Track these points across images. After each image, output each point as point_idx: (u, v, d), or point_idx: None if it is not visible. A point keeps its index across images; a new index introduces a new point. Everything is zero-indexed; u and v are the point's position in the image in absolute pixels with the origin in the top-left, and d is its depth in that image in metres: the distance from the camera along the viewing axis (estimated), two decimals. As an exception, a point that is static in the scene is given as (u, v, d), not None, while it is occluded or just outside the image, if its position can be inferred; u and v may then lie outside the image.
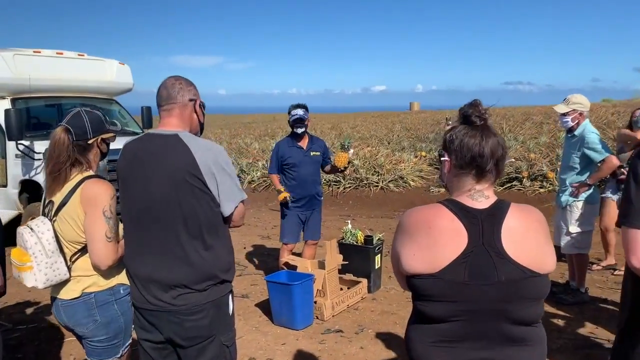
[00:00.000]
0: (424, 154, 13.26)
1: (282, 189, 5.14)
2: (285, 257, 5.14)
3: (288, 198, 5.10)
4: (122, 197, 2.42)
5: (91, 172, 2.59)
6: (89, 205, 2.45)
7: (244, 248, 7.33)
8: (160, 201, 2.28)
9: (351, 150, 5.26)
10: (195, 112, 2.44)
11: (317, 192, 5.35)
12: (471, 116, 1.66)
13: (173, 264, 2.29)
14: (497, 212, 1.60)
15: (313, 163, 5.24)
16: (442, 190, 10.03)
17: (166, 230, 2.29)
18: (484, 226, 1.57)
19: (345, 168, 5.22)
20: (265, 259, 6.80)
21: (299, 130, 5.19)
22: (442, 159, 1.73)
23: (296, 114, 5.14)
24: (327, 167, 5.42)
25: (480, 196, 1.64)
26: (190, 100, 2.40)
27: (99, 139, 2.62)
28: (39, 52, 7.86)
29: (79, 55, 8.33)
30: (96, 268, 2.50)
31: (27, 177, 7.05)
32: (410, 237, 1.61)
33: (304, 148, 5.25)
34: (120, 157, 2.45)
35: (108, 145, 2.71)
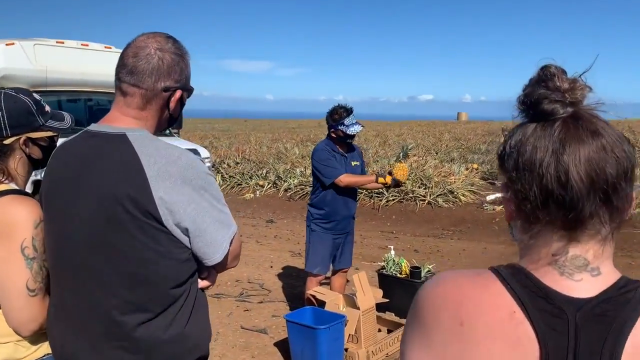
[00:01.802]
0: (476, 166, 12.13)
1: (381, 174, 4.32)
2: (312, 289, 4.17)
3: (392, 181, 4.29)
4: (45, 230, 1.53)
5: (12, 186, 1.68)
6: (1, 238, 1.54)
7: (271, 267, 6.41)
8: (82, 245, 1.40)
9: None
10: (168, 107, 1.50)
11: (354, 212, 4.39)
12: (542, 102, 0.76)
13: (104, 346, 1.40)
14: (616, 308, 0.72)
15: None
16: (499, 208, 8.86)
17: (91, 293, 1.41)
18: (580, 337, 0.71)
19: (406, 182, 4.53)
20: (293, 281, 5.85)
21: (350, 141, 4.29)
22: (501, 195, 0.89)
23: (357, 130, 4.17)
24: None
25: (580, 268, 0.76)
26: (166, 90, 1.47)
27: (23, 139, 1.71)
28: (62, 42, 7.21)
29: (105, 47, 7.66)
30: (15, 333, 1.60)
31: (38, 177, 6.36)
32: (424, 332, 0.79)
33: (346, 156, 4.27)
34: (47, 166, 1.56)
35: (44, 148, 1.79)
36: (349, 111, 4.18)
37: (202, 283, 1.54)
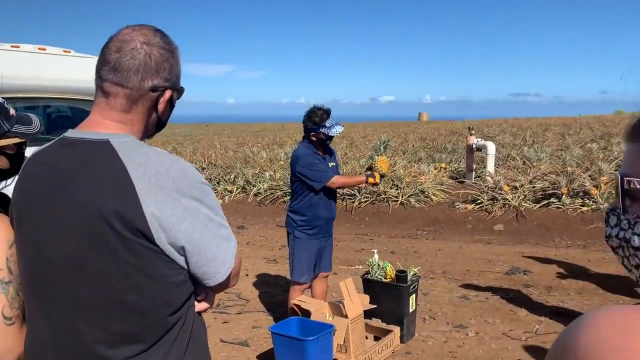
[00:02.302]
0: (444, 165, 12.16)
1: (371, 174, 4.20)
2: (297, 298, 3.99)
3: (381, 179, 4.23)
4: (17, 250, 1.32)
5: None
6: None
7: (247, 275, 6.18)
8: (61, 270, 1.22)
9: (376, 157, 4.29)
10: (157, 109, 1.32)
11: (335, 214, 4.25)
12: None
13: None
14: None
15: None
16: (470, 206, 8.88)
17: (72, 324, 1.22)
18: None
19: (384, 176, 4.35)
20: (271, 290, 5.65)
21: (329, 143, 4.19)
22: (627, 187, 0.67)
23: (337, 132, 4.05)
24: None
25: None
26: (154, 89, 1.29)
27: None
28: (18, 46, 6.82)
29: (64, 51, 7.28)
30: None
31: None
32: None
33: (324, 158, 4.14)
34: (18, 178, 1.35)
35: (12, 157, 1.56)
36: (328, 113, 4.04)
37: (199, 306, 1.36)
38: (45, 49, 7.07)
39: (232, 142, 23.39)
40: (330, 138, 4.07)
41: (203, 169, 13.42)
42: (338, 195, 9.81)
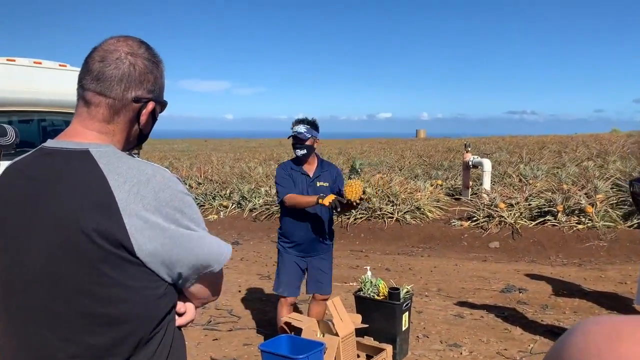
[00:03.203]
0: (440, 182, 12.14)
1: (319, 197, 3.79)
2: (285, 314, 3.93)
3: (332, 202, 3.71)
4: None
5: None
6: None
7: (239, 291, 6.12)
8: (36, 284, 1.19)
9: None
10: (139, 120, 1.31)
11: (323, 234, 4.11)
12: None
13: None
14: None
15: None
16: (466, 223, 8.84)
17: (46, 341, 1.18)
18: None
19: (359, 202, 3.73)
20: (264, 307, 5.59)
21: (299, 153, 3.98)
22: None
23: (295, 131, 3.94)
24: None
25: None
26: (137, 100, 1.28)
27: None
28: (13, 60, 6.83)
29: (60, 65, 7.30)
30: None
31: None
32: None
33: (310, 175, 4.06)
34: None
35: None
36: (297, 121, 4.00)
37: (180, 320, 1.34)
38: (41, 63, 7.09)
39: (229, 157, 23.39)
40: (295, 145, 3.97)
41: (199, 184, 13.39)
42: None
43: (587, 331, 0.56)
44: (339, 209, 3.72)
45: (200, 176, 14.41)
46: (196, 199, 12.02)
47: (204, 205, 11.75)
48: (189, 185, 13.27)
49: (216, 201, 11.75)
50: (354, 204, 3.71)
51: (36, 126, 7.53)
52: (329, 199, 3.73)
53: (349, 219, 9.57)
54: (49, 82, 6.95)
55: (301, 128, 3.93)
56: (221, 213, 11.21)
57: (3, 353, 1.24)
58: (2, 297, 1.23)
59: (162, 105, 1.38)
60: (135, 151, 8.65)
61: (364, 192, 3.79)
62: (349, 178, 3.83)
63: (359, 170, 3.83)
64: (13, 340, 1.21)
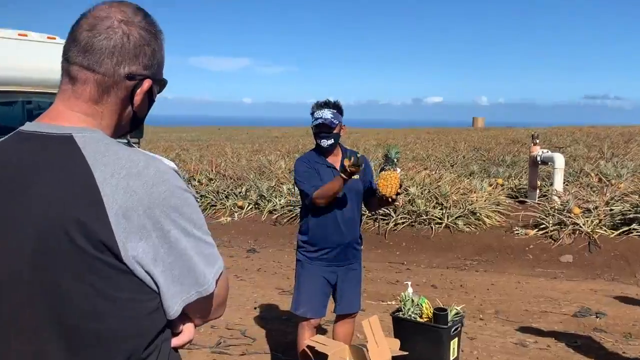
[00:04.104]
0: (500, 181, 12.09)
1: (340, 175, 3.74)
2: (307, 338, 3.93)
3: (350, 165, 3.65)
4: None
5: None
6: None
7: (254, 308, 6.18)
8: (7, 290, 1.21)
9: (398, 169, 3.86)
10: (132, 101, 1.34)
11: (355, 238, 4.12)
12: None
13: None
14: None
15: (350, 191, 3.97)
16: (532, 232, 8.73)
17: (15, 353, 1.22)
18: None
19: (396, 198, 3.77)
20: (283, 327, 5.62)
21: (325, 143, 3.98)
22: None
23: (320, 117, 3.92)
24: (373, 201, 4.12)
25: None
26: (131, 77, 1.30)
27: None
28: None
29: (48, 37, 7.48)
30: None
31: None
32: None
33: (337, 168, 4.03)
34: None
35: None
36: (319, 105, 3.99)
37: (175, 340, 1.35)
38: (26, 35, 7.26)
39: (246, 149, 23.62)
40: (321, 134, 3.95)
41: (210, 180, 13.55)
42: (368, 215, 9.79)
43: None
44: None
45: (212, 171, 14.58)
46: (206, 197, 12.18)
47: (215, 205, 11.89)
48: (198, 182, 13.43)
49: (230, 200, 11.87)
50: (390, 199, 3.74)
51: (20, 108, 7.73)
52: (348, 165, 3.64)
53: (387, 224, 9.55)
54: (36, 58, 7.12)
55: (327, 113, 3.91)
56: (235, 215, 11.32)
57: None
58: None
59: (160, 83, 1.40)
60: (135, 141, 8.78)
61: (400, 186, 3.79)
62: (382, 170, 3.80)
63: (395, 160, 3.77)
64: None
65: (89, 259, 1.15)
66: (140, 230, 1.17)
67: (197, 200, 1.32)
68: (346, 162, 3.66)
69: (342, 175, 3.70)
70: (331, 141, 3.97)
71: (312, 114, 3.99)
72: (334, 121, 3.91)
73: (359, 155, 3.74)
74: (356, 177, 4.02)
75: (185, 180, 12.69)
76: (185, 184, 1.29)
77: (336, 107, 3.98)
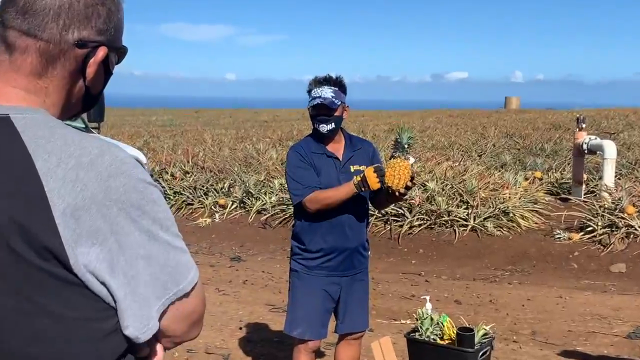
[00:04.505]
0: (539, 174, 12.09)
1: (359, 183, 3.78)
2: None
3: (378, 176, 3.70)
4: None
5: None
6: None
7: (240, 328, 6.22)
8: None
9: (412, 159, 3.85)
10: (84, 73, 1.33)
11: (362, 242, 4.14)
12: None
13: None
14: None
15: None
16: (577, 236, 8.76)
17: None
18: None
19: (405, 192, 3.79)
20: (274, 351, 5.67)
21: (324, 128, 3.96)
22: None
23: (319, 97, 3.92)
24: (379, 197, 4.08)
25: None
26: (81, 44, 1.29)
27: None
28: None
29: None
30: None
31: None
32: None
33: (339, 158, 4.03)
34: None
35: None
36: (318, 81, 3.99)
37: None
38: None
39: (229, 135, 23.69)
40: (319, 116, 3.96)
41: (186, 173, 13.58)
42: (378, 216, 9.84)
43: None
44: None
45: (188, 162, 14.60)
46: (181, 194, 12.20)
47: (192, 204, 11.94)
48: (171, 175, 13.45)
49: (209, 198, 11.93)
50: (397, 193, 3.73)
51: None
52: (371, 175, 3.69)
53: (401, 226, 9.61)
54: None
55: (326, 92, 3.91)
56: (216, 215, 11.37)
57: None
58: None
59: (119, 52, 1.40)
60: (95, 125, 8.82)
61: (412, 178, 3.77)
62: (391, 157, 3.79)
63: (407, 146, 3.75)
64: None
65: (29, 269, 1.14)
66: (93, 233, 1.16)
67: (164, 196, 1.31)
68: (371, 175, 3.67)
69: (361, 188, 3.73)
70: (331, 126, 3.96)
71: (309, 92, 3.99)
72: (335, 101, 3.91)
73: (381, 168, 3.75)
74: (362, 167, 4.02)
75: (155, 174, 12.64)
76: (149, 176, 1.28)
77: (338, 84, 3.98)
